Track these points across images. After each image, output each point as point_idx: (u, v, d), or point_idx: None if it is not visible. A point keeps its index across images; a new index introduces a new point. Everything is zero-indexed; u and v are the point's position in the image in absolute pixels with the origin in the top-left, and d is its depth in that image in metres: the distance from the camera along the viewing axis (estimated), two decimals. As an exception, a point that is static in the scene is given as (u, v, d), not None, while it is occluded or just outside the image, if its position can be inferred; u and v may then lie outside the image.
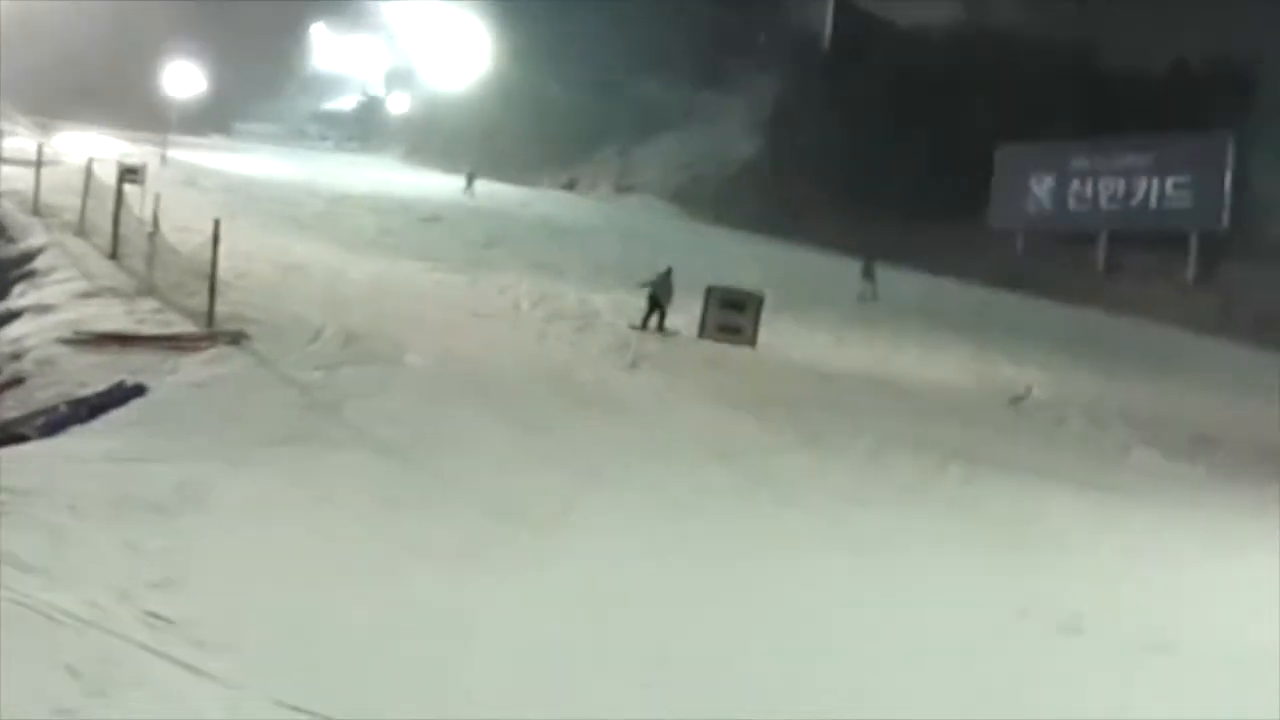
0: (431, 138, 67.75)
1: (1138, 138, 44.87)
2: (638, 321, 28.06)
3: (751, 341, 27.05)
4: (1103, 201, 46.64)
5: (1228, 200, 42.95)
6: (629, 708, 9.44)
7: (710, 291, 28.07)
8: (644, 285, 28.77)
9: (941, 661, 11.16)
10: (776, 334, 27.79)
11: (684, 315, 28.46)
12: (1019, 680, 10.90)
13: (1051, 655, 11.66)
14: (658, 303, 28.25)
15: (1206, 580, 14.70)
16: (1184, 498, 19.23)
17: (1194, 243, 43.39)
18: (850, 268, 42.59)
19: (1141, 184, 45.40)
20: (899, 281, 41.19)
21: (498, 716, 8.98)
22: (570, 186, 58.49)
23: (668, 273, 28.69)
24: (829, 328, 31.31)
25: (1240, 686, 11.06)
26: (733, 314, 27.62)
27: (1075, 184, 47.37)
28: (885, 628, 11.91)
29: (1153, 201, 45.01)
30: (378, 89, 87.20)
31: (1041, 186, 48.20)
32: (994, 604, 12.85)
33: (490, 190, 55.15)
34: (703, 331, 27.52)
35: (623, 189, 58.24)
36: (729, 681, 10.12)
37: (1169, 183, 44.66)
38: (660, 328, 28.05)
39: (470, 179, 54.28)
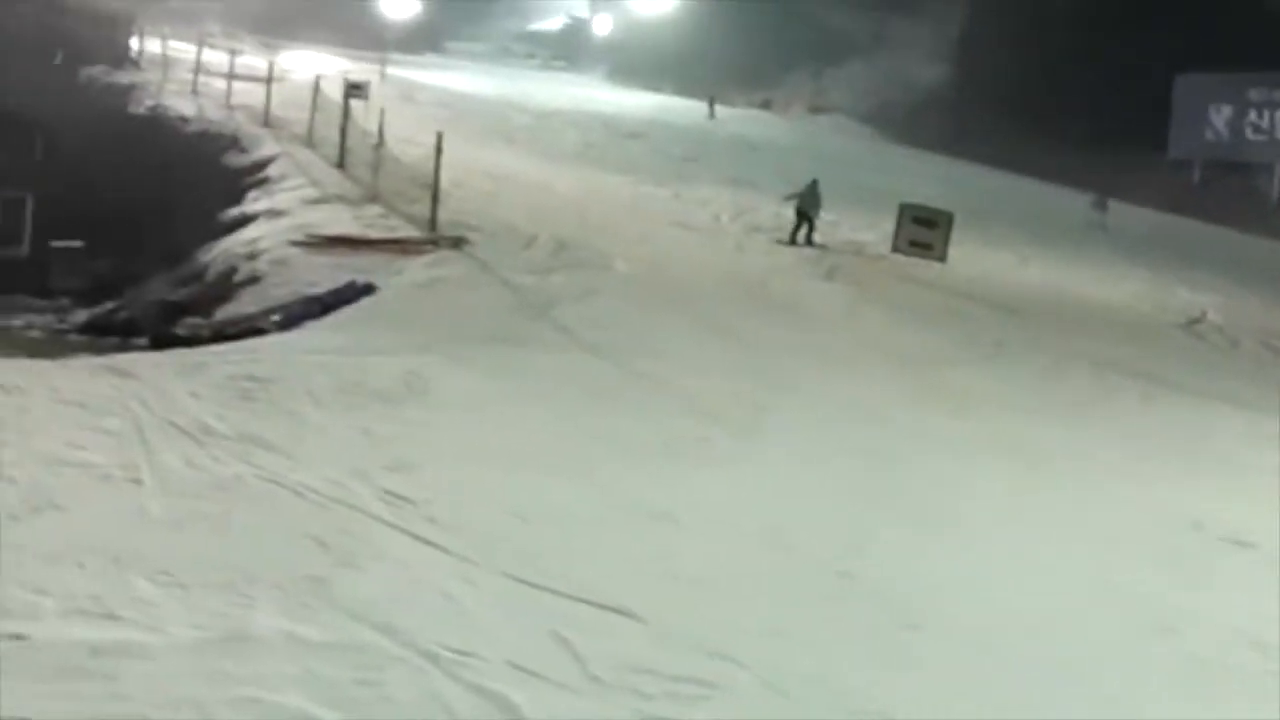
0: (633, 58, 67.71)
1: (1315, 72, 43.83)
2: (788, 237, 27.71)
3: (941, 257, 26.79)
4: (1278, 132, 45.54)
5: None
6: (830, 596, 9.62)
7: (903, 208, 27.82)
8: (789, 198, 28.41)
9: (1114, 566, 11.11)
10: (962, 251, 27.52)
11: (875, 231, 28.38)
12: (1188, 587, 10.84)
13: (1221, 567, 11.53)
14: (806, 215, 27.87)
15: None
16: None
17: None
18: (1028, 189, 42.22)
19: (1317, 118, 44.38)
20: (1080, 205, 40.66)
21: (706, 597, 9.17)
22: (765, 107, 58.19)
23: (814, 184, 28.26)
24: (1011, 247, 30.92)
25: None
26: (924, 230, 27.31)
27: (1252, 115, 46.26)
28: (1057, 535, 11.87)
29: (1329, 135, 43.99)
30: (582, 11, 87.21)
31: (1219, 117, 47.11)
32: (1165, 516, 12.71)
33: (686, 107, 55.15)
34: (895, 247, 27.36)
35: (815, 110, 57.91)
36: (907, 576, 10.23)
37: (1344, 118, 43.65)
38: (809, 240, 27.64)
39: (711, 103, 53.99)
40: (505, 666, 7.55)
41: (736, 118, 52.22)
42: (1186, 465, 15.14)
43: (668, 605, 8.80)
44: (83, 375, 14.16)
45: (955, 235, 27.50)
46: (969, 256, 27.66)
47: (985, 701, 8.09)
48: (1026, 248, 31.21)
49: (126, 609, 7.84)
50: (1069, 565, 10.99)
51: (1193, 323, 25.34)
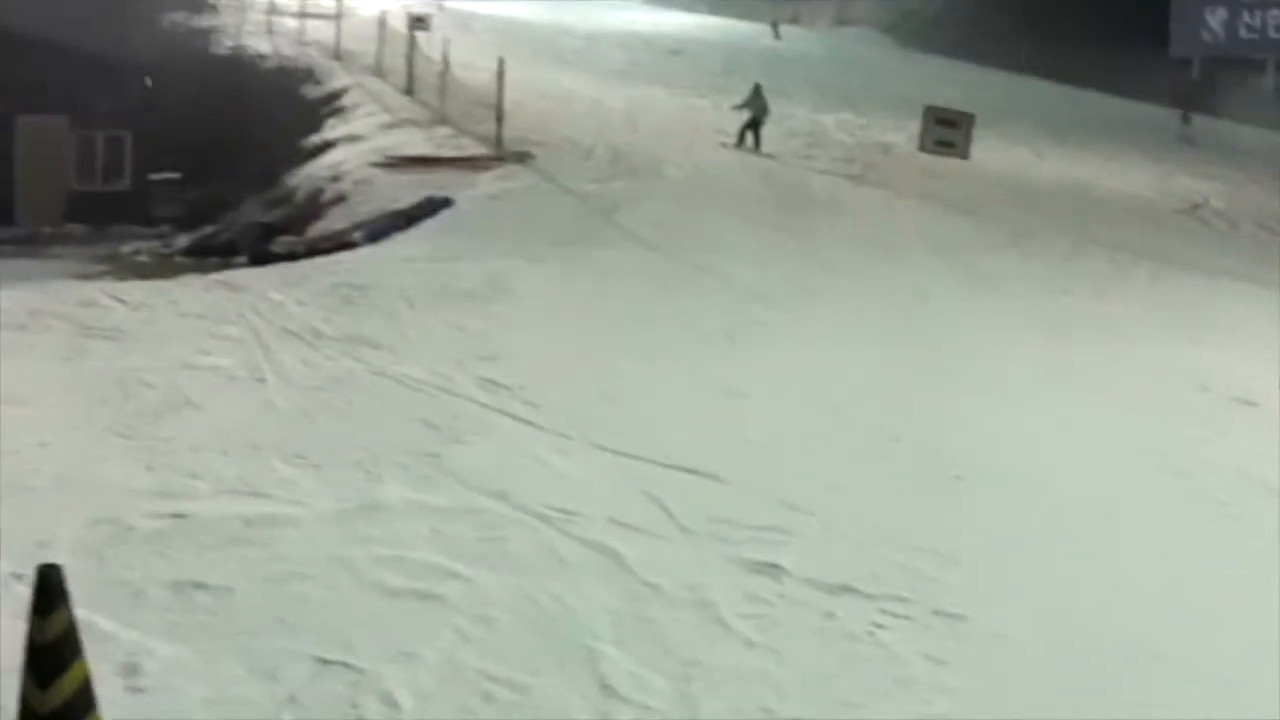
0: (669, -20, 67.15)
1: (1306, -27, 43.57)
2: (735, 139, 26.72)
3: (964, 155, 26.69)
4: (1271, 31, 45.22)
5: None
6: (884, 455, 9.94)
7: (927, 110, 27.69)
8: (738, 107, 27.36)
9: (1135, 421, 11.41)
10: (983, 149, 27.40)
11: (902, 133, 28.36)
12: (1200, 440, 11.04)
13: (1228, 422, 11.75)
14: (757, 120, 26.86)
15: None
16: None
17: (1358, 69, 42.26)
18: (1043, 89, 42.09)
19: (1308, 14, 44.18)
20: (1088, 102, 40.46)
21: (775, 459, 9.50)
22: (794, 21, 57.57)
23: (758, 89, 27.33)
24: (1027, 143, 30.85)
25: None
26: (947, 130, 27.10)
27: (1245, 15, 45.88)
28: (1084, 396, 12.18)
29: (1319, 30, 43.80)
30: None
31: (1215, 17, 46.67)
32: (1178, 379, 12.95)
33: (719, 24, 54.81)
34: (921, 146, 27.28)
35: (840, 23, 57.41)
36: (953, 437, 10.47)
37: (1335, 13, 43.41)
38: (757, 146, 26.62)
39: (775, 25, 53.30)
40: (607, 522, 7.88)
41: (767, 33, 51.70)
42: (1193, 333, 15.36)
43: (743, 467, 9.11)
44: (198, 291, 14.50)
45: (976, 134, 27.44)
46: (990, 154, 27.62)
47: (1028, 536, 8.39)
48: (1042, 144, 31.17)
49: (270, 487, 8.20)
50: (1097, 423, 11.25)
51: (1195, 208, 25.42)
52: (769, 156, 26.06)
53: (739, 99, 27.49)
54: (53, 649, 4.23)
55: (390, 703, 5.68)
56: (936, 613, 7.08)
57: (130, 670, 5.77)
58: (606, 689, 5.95)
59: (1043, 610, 7.26)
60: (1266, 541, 8.61)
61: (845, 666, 6.44)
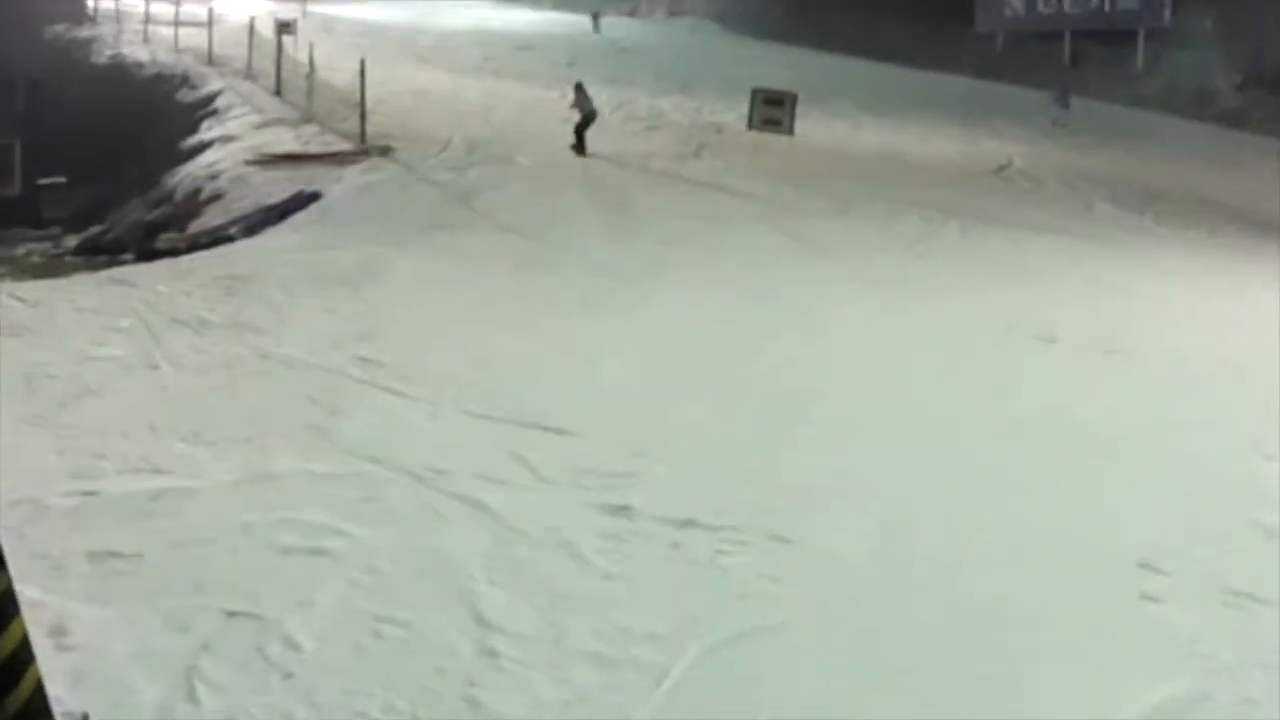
0: (516, -21, 66.91)
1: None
2: (579, 146, 24.50)
3: (789, 131, 27.14)
4: (1066, 6, 46.34)
5: (1169, 1, 42.65)
6: (728, 406, 10.28)
7: (754, 92, 28.09)
8: (574, 106, 25.27)
9: (950, 360, 11.96)
10: (807, 124, 27.89)
11: (733, 113, 28.74)
12: (1008, 373, 11.63)
13: (1032, 356, 12.34)
14: (586, 121, 24.79)
15: (1150, 302, 15.23)
16: (1135, 240, 19.57)
17: (1141, 37, 43.24)
18: (861, 68, 42.66)
19: (1099, -11, 45.32)
20: (905, 77, 41.09)
21: (626, 414, 9.84)
22: (632, 13, 57.81)
23: (579, 88, 25.52)
24: (847, 117, 31.28)
25: (1169, 377, 11.75)
26: (773, 109, 27.52)
27: (1043, -9, 47.13)
28: (903, 340, 12.69)
29: (1107, 5, 44.77)
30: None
31: (1016, -5, 47.91)
32: (987, 321, 13.51)
33: (565, 20, 54.65)
34: (750, 125, 27.64)
35: (674, 13, 57.67)
36: (790, 382, 10.97)
37: (1121, -12, 44.62)
38: (581, 149, 24.34)
39: (595, 18, 53.16)
40: (475, 478, 8.20)
41: (607, 25, 51.87)
42: (1001, 280, 15.87)
43: (597, 422, 9.48)
44: (91, 288, 14.48)
45: (801, 112, 27.89)
46: (814, 129, 28.10)
47: (856, 468, 8.84)
48: (862, 118, 31.59)
49: (171, 464, 8.41)
50: (915, 363, 11.80)
51: (1001, 169, 26.03)
52: (595, 156, 24.32)
53: (572, 99, 25.74)
54: (-7, 610, 4.48)
55: (292, 645, 5.99)
56: (772, 538, 7.51)
57: (58, 631, 6.02)
58: (482, 621, 6.31)
59: (868, 533, 7.71)
60: (1066, 463, 9.19)
61: (692, 588, 6.84)
